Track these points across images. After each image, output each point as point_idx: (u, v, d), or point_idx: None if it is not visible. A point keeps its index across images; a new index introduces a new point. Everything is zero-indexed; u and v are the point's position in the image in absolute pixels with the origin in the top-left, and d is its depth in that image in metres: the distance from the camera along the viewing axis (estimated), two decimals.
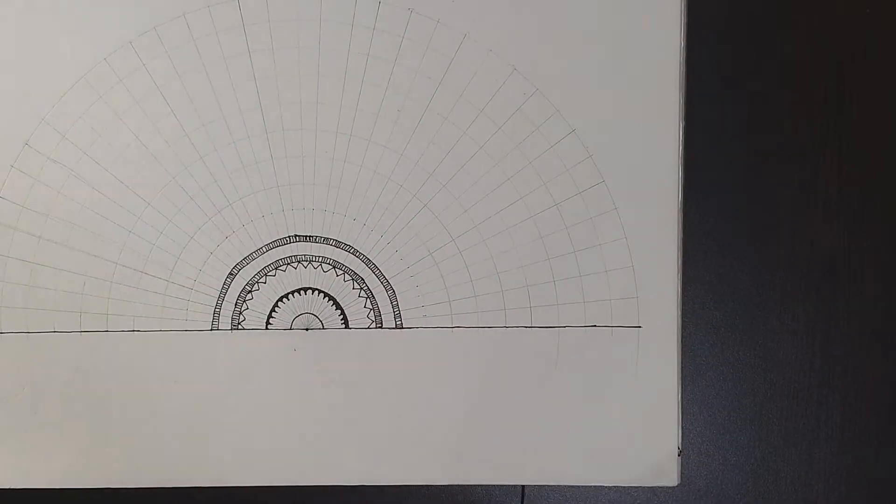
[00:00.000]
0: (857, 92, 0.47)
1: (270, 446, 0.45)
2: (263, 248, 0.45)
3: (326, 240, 0.45)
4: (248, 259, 0.45)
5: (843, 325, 0.47)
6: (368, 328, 0.45)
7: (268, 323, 0.45)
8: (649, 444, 0.44)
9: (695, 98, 0.45)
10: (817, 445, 0.47)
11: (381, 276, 0.45)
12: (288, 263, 0.45)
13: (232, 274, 0.45)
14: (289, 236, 0.45)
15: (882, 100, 0.47)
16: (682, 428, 0.44)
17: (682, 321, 0.44)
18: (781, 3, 0.47)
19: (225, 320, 0.45)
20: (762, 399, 0.47)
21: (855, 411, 0.47)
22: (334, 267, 0.45)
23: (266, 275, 0.45)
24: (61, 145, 0.45)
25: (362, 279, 0.45)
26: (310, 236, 0.45)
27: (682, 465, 0.45)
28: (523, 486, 0.48)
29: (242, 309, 0.45)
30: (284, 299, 0.45)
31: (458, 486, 0.47)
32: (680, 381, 0.44)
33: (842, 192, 0.47)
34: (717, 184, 0.47)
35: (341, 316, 0.45)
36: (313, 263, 0.45)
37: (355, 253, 0.45)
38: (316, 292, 0.45)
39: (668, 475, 0.44)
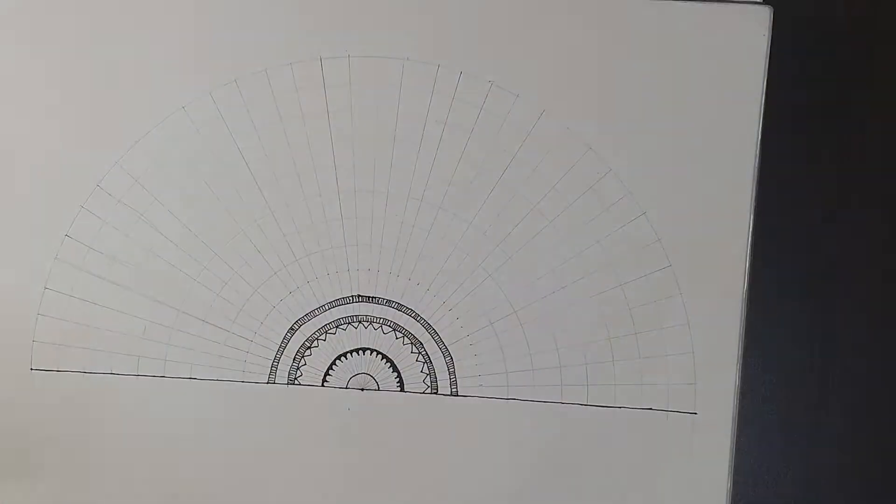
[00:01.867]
0: None
1: (316, 503, 0.45)
2: (326, 306, 0.45)
3: (389, 302, 0.45)
4: (309, 315, 0.45)
5: None
6: (423, 393, 0.45)
7: (324, 380, 0.45)
8: None
9: (768, 189, 0.45)
10: None
11: (440, 341, 0.45)
12: (349, 322, 0.45)
13: (293, 329, 0.45)
14: (352, 296, 0.45)
15: None
16: None
17: (739, 410, 0.45)
18: (857, 93, 0.47)
19: (282, 375, 0.45)
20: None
21: None
22: (394, 329, 0.45)
23: (326, 332, 0.45)
24: (133, 189, 0.45)
25: (421, 343, 0.45)
26: (373, 297, 0.45)
27: None
28: None
29: (300, 364, 0.45)
30: (342, 358, 0.45)
31: None
32: (731, 473, 0.44)
33: None
34: (785, 288, 0.47)
35: (398, 379, 0.45)
36: (374, 324, 0.45)
37: (416, 317, 0.45)
38: (374, 353, 0.45)
39: None
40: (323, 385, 0.45)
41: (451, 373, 0.45)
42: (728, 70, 0.44)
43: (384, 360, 0.45)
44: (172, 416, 0.45)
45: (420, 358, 0.45)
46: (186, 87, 0.44)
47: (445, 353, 0.45)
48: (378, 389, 0.45)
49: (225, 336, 0.45)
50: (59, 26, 0.44)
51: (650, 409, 0.44)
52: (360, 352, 0.45)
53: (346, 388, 0.45)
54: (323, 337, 0.45)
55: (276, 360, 0.45)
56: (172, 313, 0.45)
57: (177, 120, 0.44)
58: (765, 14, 0.43)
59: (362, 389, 0.45)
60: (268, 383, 0.45)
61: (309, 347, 0.45)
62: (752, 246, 0.44)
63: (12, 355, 0.45)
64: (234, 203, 0.45)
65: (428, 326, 0.45)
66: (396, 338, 0.45)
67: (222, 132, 0.45)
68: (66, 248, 0.45)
